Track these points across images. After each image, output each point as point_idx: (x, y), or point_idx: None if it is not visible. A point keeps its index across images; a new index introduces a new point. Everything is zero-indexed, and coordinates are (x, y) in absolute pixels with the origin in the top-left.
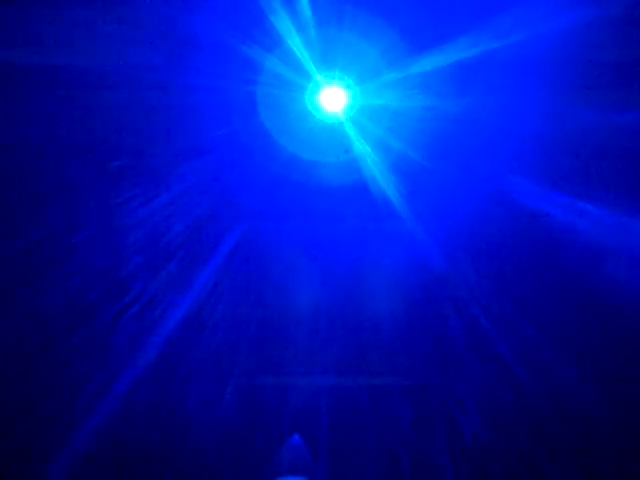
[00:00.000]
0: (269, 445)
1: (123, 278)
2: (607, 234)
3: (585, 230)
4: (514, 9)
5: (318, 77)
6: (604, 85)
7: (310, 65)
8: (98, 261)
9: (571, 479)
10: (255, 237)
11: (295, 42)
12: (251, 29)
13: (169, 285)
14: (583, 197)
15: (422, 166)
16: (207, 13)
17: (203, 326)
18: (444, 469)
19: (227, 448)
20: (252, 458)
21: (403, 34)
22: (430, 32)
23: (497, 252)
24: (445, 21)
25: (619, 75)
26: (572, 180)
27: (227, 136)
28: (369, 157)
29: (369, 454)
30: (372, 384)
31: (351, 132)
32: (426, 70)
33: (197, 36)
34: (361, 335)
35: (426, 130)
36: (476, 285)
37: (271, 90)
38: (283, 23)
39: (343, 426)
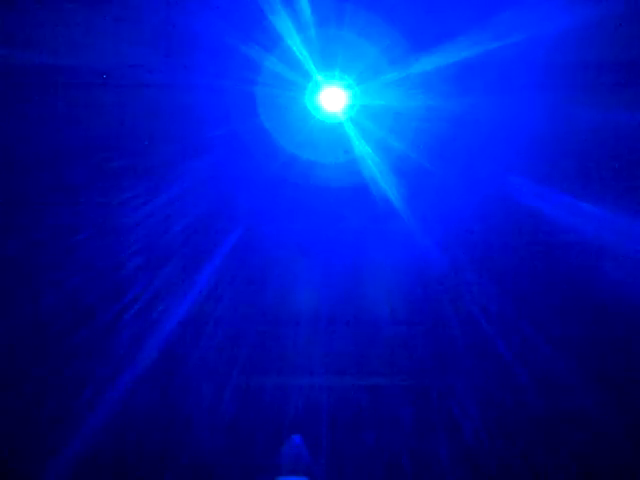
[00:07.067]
0: (269, 445)
1: (123, 278)
2: (607, 234)
3: (585, 230)
4: (514, 9)
5: (318, 77)
6: (604, 85)
7: (310, 65)
8: (98, 261)
9: (571, 479)
10: (255, 237)
11: (295, 42)
12: (251, 29)
13: (169, 285)
14: (583, 197)
15: (423, 166)
16: (207, 13)
17: (203, 326)
18: (444, 469)
19: (227, 448)
20: (252, 458)
21: (404, 33)
22: (431, 32)
23: (497, 252)
24: (446, 21)
25: (619, 75)
26: (572, 180)
27: (227, 136)
28: (369, 157)
29: (369, 454)
30: (372, 384)
31: (351, 132)
32: (427, 70)
33: (197, 36)
34: (361, 335)
35: (427, 130)
36: (476, 285)
37: (271, 90)
38: (283, 23)
39: (343, 426)
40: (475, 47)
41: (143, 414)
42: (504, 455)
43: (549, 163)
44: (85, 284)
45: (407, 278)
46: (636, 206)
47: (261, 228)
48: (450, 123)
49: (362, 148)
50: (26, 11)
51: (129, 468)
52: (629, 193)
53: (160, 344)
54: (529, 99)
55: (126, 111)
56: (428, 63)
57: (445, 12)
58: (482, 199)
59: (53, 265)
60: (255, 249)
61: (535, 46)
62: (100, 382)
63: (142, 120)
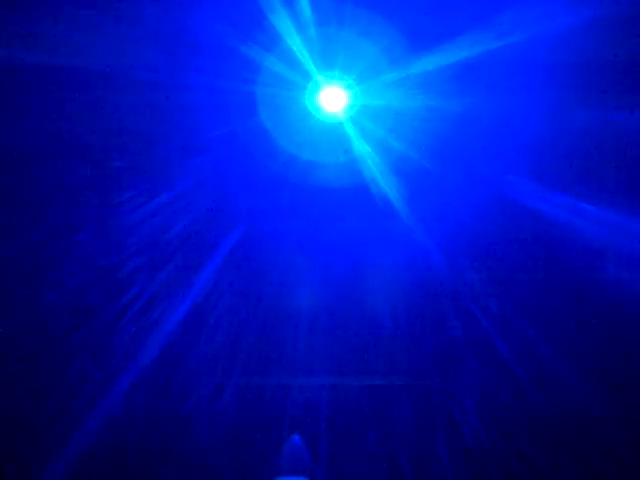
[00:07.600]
0: (269, 445)
1: (123, 278)
2: (607, 234)
3: (585, 230)
4: (515, 9)
5: (318, 77)
6: (604, 85)
7: (310, 65)
8: (98, 261)
9: (570, 479)
10: (254, 237)
11: (295, 41)
12: (251, 29)
13: (169, 285)
14: (583, 197)
15: (423, 166)
16: (207, 13)
17: (203, 326)
18: (444, 469)
19: (227, 448)
20: (252, 458)
21: (404, 33)
22: (431, 31)
23: (497, 252)
24: (446, 20)
25: (619, 75)
26: (572, 180)
27: (227, 136)
28: (369, 157)
29: (369, 454)
30: (372, 384)
31: (351, 132)
32: (427, 70)
33: (197, 36)
34: (361, 335)
35: (427, 130)
36: (476, 285)
37: (271, 90)
38: (283, 22)
39: (343, 426)
40: (475, 47)
41: (143, 414)
42: (504, 455)
43: (549, 163)
44: (85, 284)
45: (407, 278)
46: (636, 206)
47: (261, 228)
48: (450, 123)
49: (362, 148)
50: (26, 11)
51: (129, 468)
52: (629, 193)
53: (160, 344)
54: (529, 99)
55: (126, 111)
56: (428, 63)
57: (445, 12)
58: (482, 199)
59: (53, 265)
60: (255, 249)
61: (535, 46)
62: (100, 382)
63: (142, 120)
